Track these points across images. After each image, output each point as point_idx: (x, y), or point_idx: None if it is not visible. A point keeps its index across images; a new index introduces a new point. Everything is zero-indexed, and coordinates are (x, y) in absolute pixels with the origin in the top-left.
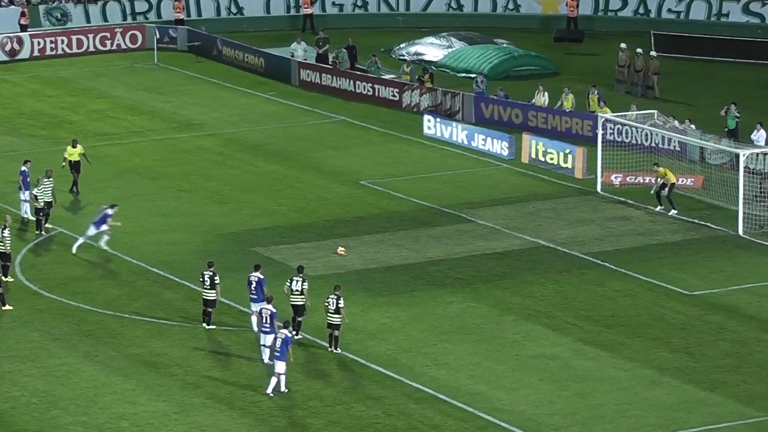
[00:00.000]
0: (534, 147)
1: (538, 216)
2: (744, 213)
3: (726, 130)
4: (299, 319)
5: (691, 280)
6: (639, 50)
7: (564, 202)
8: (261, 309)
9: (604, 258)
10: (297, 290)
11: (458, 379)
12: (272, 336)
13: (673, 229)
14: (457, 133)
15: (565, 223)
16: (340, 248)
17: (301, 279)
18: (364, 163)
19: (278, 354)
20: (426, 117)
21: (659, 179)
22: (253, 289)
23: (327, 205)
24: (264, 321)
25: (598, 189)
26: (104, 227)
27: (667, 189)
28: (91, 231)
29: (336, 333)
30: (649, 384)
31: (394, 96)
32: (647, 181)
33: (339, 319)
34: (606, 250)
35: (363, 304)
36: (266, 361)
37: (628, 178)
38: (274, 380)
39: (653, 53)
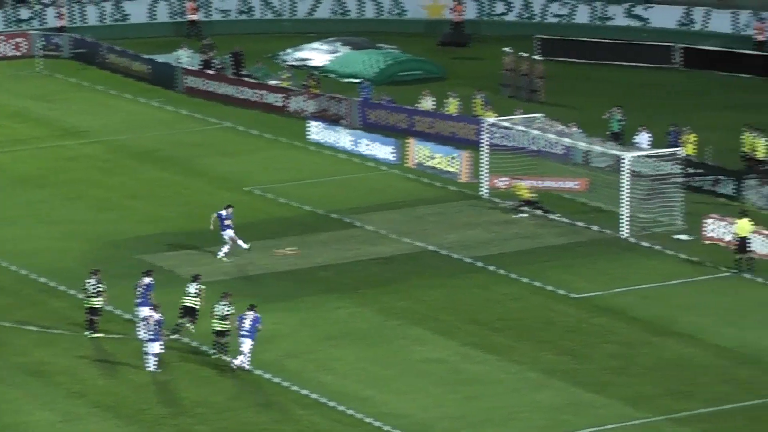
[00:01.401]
0: (419, 152)
1: (424, 220)
2: (629, 215)
3: (610, 133)
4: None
5: (577, 282)
6: (524, 54)
7: (450, 207)
8: (147, 316)
9: (490, 262)
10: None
11: (346, 384)
12: (158, 343)
13: (559, 232)
14: (342, 138)
15: (452, 228)
16: (287, 251)
17: (204, 290)
18: (251, 170)
19: (248, 333)
20: (312, 122)
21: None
22: (141, 293)
23: (213, 212)
24: (150, 328)
25: (484, 193)
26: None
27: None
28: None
29: (223, 340)
30: (536, 386)
31: (279, 102)
32: (532, 184)
33: (227, 326)
34: (492, 254)
35: None
36: (152, 369)
37: (513, 182)
38: (241, 357)
39: (538, 57)
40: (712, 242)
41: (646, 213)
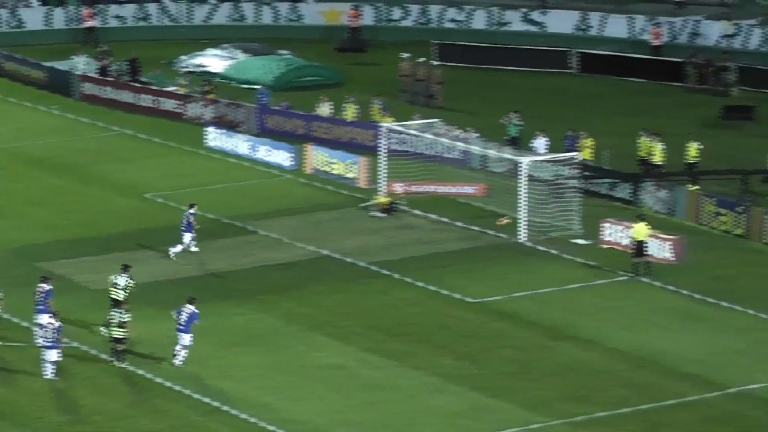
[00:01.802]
0: (317, 157)
1: (322, 226)
2: (526, 220)
3: (507, 138)
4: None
5: (475, 287)
6: (421, 60)
7: (348, 212)
8: (46, 323)
9: (388, 267)
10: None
11: (245, 390)
12: (56, 351)
13: (457, 237)
14: (240, 144)
15: (350, 233)
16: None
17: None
18: (148, 176)
19: (183, 327)
20: (209, 129)
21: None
22: (39, 299)
23: (111, 219)
24: (48, 335)
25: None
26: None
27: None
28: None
29: (121, 347)
30: (434, 392)
31: (177, 108)
32: (430, 189)
33: (124, 333)
34: (390, 260)
35: (148, 317)
36: (49, 376)
37: (411, 187)
38: (183, 353)
39: (435, 62)
40: (610, 246)
41: (543, 218)
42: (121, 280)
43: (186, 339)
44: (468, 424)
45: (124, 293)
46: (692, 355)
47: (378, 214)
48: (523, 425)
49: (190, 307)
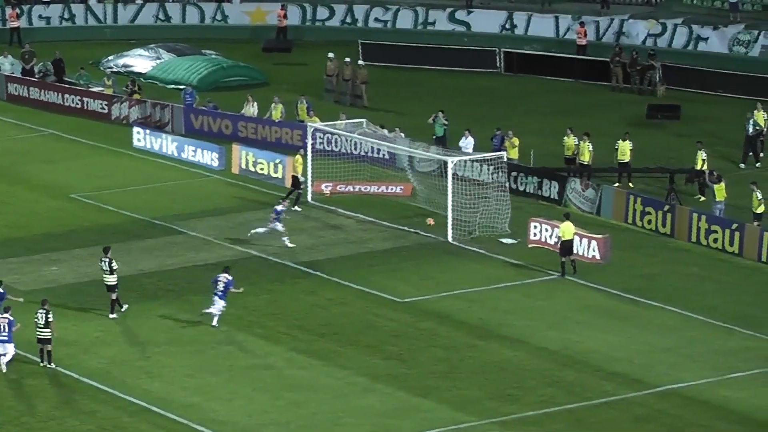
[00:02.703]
0: (244, 157)
1: (249, 226)
2: (453, 219)
3: (434, 137)
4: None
5: (403, 287)
6: (347, 59)
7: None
8: None
9: (315, 267)
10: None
11: (172, 391)
12: (11, 344)
13: (384, 237)
14: (167, 144)
15: (277, 233)
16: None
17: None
18: (75, 177)
19: (221, 294)
20: (135, 129)
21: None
22: None
23: (38, 219)
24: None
25: (309, 198)
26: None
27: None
28: (278, 226)
29: (48, 348)
30: (362, 391)
31: (103, 108)
32: (357, 189)
33: (49, 334)
34: (318, 259)
35: (75, 318)
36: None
37: (338, 187)
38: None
39: (361, 62)
40: (537, 245)
41: (471, 217)
42: (105, 264)
43: (221, 305)
44: (395, 423)
45: (113, 276)
46: (619, 354)
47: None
48: (451, 425)
49: (226, 275)
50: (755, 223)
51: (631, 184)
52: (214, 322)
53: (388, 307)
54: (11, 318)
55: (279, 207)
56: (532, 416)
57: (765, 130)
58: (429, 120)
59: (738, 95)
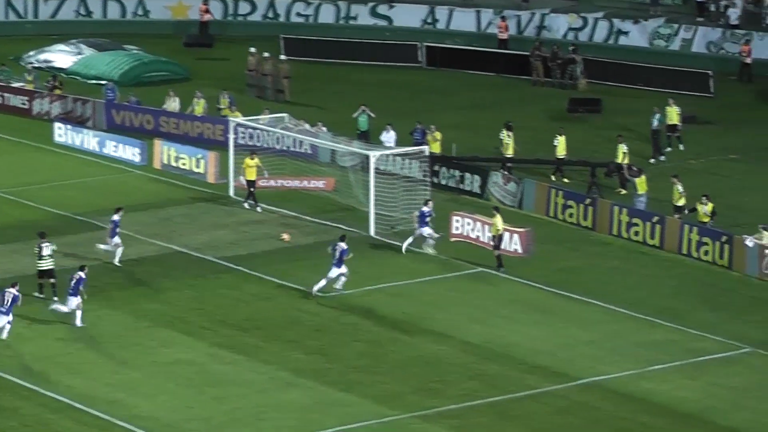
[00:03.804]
0: (166, 153)
1: (172, 222)
2: (375, 214)
3: (359, 132)
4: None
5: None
6: (266, 54)
7: (197, 207)
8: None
9: (238, 262)
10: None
11: (95, 387)
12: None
13: (307, 232)
14: (88, 140)
15: (199, 228)
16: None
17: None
18: None
19: (337, 262)
20: (57, 125)
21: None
22: None
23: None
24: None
25: (231, 193)
26: (426, 229)
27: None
28: (425, 230)
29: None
30: (285, 386)
31: (24, 104)
32: (279, 184)
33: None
34: (240, 254)
35: None
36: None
37: (260, 182)
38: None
39: (283, 57)
40: (460, 239)
41: (393, 211)
42: (46, 250)
43: (336, 271)
44: (318, 418)
45: (51, 260)
46: (542, 347)
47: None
48: (374, 419)
49: (342, 244)
50: (676, 216)
51: (566, 180)
52: (340, 284)
53: (311, 301)
54: (17, 293)
55: (425, 209)
56: (455, 410)
57: (679, 125)
58: (354, 114)
59: (659, 89)
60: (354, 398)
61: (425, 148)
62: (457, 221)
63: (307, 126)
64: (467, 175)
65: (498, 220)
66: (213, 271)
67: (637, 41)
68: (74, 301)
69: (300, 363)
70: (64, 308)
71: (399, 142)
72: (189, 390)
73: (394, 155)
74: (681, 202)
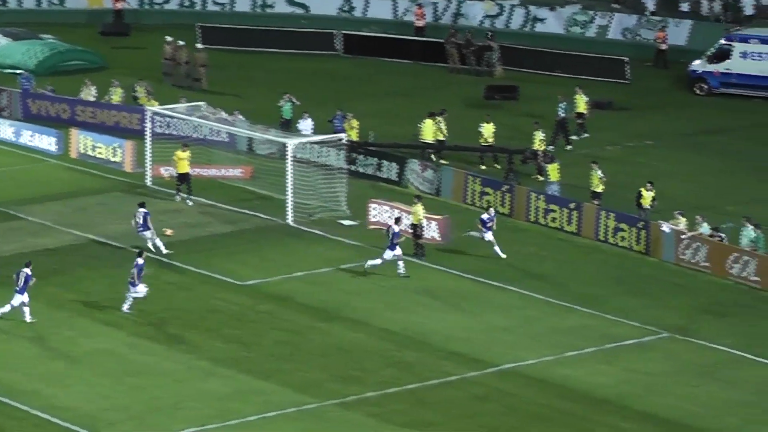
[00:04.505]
0: (82, 142)
1: (89, 211)
2: (293, 202)
3: (283, 120)
4: None
5: (244, 270)
6: (181, 42)
7: (114, 197)
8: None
9: (156, 251)
10: None
11: (13, 377)
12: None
13: (224, 220)
14: (4, 129)
15: (117, 218)
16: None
17: None
18: None
19: (392, 245)
20: None
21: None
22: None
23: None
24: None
25: (148, 182)
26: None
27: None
28: (487, 236)
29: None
30: (204, 375)
31: None
32: (197, 173)
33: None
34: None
35: None
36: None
37: (171, 167)
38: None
39: (200, 45)
40: (377, 227)
41: (310, 199)
42: None
43: (390, 254)
44: (237, 406)
45: None
46: (459, 334)
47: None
48: (292, 407)
49: (396, 226)
50: (594, 202)
51: (497, 166)
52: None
53: (230, 290)
54: (29, 272)
55: (484, 216)
56: (373, 397)
57: (586, 113)
58: (279, 102)
59: (575, 75)
60: (273, 386)
61: (343, 135)
62: (375, 209)
63: (224, 114)
64: (385, 162)
65: (420, 209)
66: (130, 260)
67: (554, 28)
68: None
69: (219, 352)
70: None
71: (316, 130)
72: (108, 380)
73: (312, 143)
74: (600, 188)
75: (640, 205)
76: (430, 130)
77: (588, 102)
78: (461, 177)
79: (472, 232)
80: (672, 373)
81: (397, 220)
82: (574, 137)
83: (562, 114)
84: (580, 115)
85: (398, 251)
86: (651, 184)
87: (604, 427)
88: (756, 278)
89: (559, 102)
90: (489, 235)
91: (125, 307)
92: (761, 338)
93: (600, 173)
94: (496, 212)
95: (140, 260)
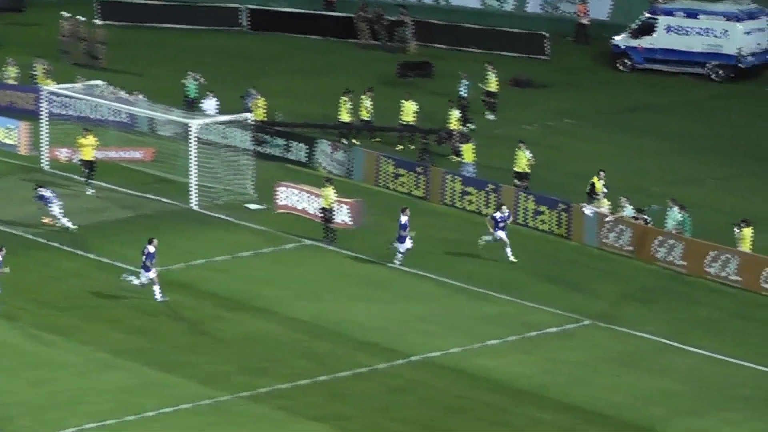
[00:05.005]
0: None
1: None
2: (197, 185)
3: (187, 99)
4: None
5: None
6: (80, 18)
7: (8, 180)
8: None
9: (52, 237)
10: None
11: None
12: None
13: (125, 205)
14: None
15: (11, 203)
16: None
17: None
18: None
19: (401, 238)
20: None
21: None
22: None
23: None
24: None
25: (44, 165)
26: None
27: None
28: (500, 234)
29: None
30: (104, 368)
31: None
32: (95, 156)
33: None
34: (55, 230)
35: None
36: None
37: (75, 154)
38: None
39: (99, 21)
40: (285, 211)
41: (215, 182)
42: None
43: (404, 247)
44: (139, 401)
45: None
46: (373, 323)
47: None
48: (197, 400)
49: (403, 216)
50: (520, 183)
51: (411, 146)
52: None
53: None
54: (151, 249)
55: (497, 214)
56: (283, 389)
57: (497, 91)
58: (184, 80)
59: (492, 51)
60: (177, 379)
61: (249, 115)
62: (283, 192)
63: (124, 94)
64: (293, 143)
65: (330, 192)
66: (26, 247)
67: (470, 2)
68: (145, 276)
69: (120, 343)
70: (134, 281)
71: (221, 110)
72: (4, 373)
73: (217, 123)
74: (527, 169)
75: (592, 195)
76: (345, 109)
77: (497, 79)
78: (373, 158)
79: (485, 238)
80: (594, 362)
81: (404, 209)
82: (491, 116)
83: (463, 93)
84: (491, 93)
85: (409, 244)
86: (603, 172)
87: (524, 419)
88: (682, 263)
89: (461, 80)
90: (501, 234)
91: (158, 296)
92: (687, 325)
93: (529, 153)
94: (409, 194)
95: (151, 248)
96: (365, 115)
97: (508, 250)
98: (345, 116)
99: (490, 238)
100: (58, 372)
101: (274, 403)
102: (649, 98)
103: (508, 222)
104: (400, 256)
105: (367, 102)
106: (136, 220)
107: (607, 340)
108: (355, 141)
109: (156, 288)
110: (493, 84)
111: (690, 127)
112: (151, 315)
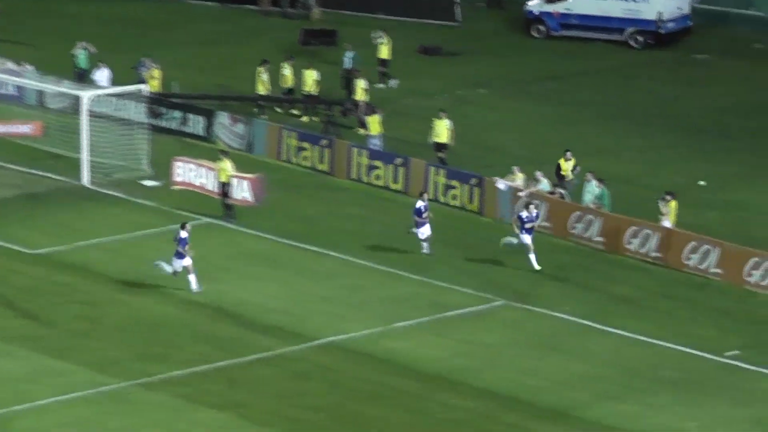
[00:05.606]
0: None
1: None
2: (89, 161)
3: (78, 70)
4: None
5: (35, 237)
6: None
7: None
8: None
9: None
10: None
11: None
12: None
13: (12, 183)
14: None
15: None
16: None
17: None
18: None
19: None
20: None
21: None
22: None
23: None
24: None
25: None
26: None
27: None
28: (525, 238)
29: None
30: None
31: None
32: None
33: None
34: None
35: None
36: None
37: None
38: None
39: None
40: (183, 187)
41: (108, 158)
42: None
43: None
44: (29, 388)
45: None
46: (276, 305)
47: None
48: (91, 388)
49: (420, 201)
50: (441, 155)
51: (315, 118)
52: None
53: (20, 259)
54: (183, 235)
55: (523, 214)
56: (181, 376)
57: (389, 60)
58: (73, 50)
59: (399, 17)
60: (70, 366)
61: (144, 87)
62: (179, 167)
63: (10, 65)
64: (191, 116)
65: (226, 165)
66: None
67: None
68: (179, 263)
69: (10, 329)
70: (167, 268)
71: (114, 81)
72: None
73: (109, 95)
74: (449, 140)
75: (560, 177)
76: (262, 82)
77: (389, 46)
78: (275, 131)
79: (508, 239)
80: (510, 344)
81: (422, 194)
82: (380, 86)
83: (348, 65)
84: (383, 62)
85: (428, 231)
86: (569, 152)
87: (436, 405)
88: (600, 239)
89: (345, 51)
90: (527, 238)
91: (194, 286)
92: (608, 305)
93: (449, 123)
94: (313, 168)
95: (183, 233)
96: (288, 83)
97: (532, 256)
98: (261, 88)
99: (514, 240)
100: None
101: (172, 390)
102: (564, 66)
103: (536, 223)
104: (425, 244)
105: (286, 70)
106: (26, 199)
107: (524, 321)
108: (279, 111)
109: (191, 278)
110: (384, 51)
111: (606, 97)
112: (44, 298)
